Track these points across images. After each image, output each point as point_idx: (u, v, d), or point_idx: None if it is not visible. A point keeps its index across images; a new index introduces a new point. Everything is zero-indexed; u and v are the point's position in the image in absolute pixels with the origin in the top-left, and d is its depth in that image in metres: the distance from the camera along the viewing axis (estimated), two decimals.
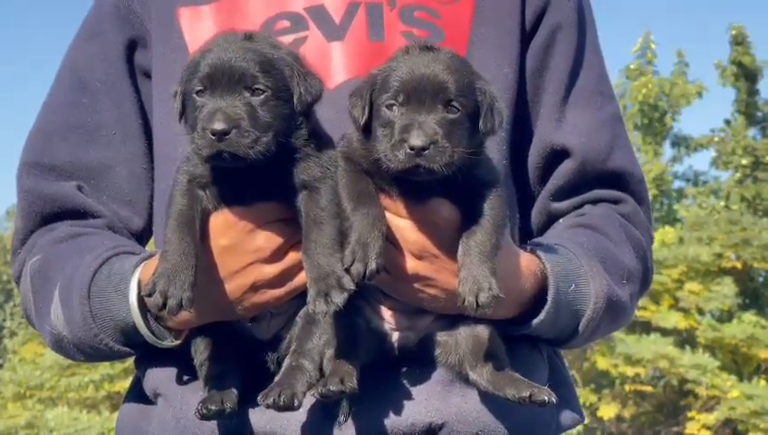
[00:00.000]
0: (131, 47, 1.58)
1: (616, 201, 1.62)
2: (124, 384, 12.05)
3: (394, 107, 1.30)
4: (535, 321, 1.43)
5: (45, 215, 1.56)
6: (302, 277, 1.33)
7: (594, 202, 1.61)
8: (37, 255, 1.54)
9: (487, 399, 1.43)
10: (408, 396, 1.41)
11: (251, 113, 1.30)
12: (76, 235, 1.52)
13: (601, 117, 1.58)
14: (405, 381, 1.42)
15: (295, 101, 1.33)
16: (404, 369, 1.41)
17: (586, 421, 11.82)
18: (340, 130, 1.40)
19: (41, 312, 1.52)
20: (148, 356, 1.51)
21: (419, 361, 1.40)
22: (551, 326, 1.46)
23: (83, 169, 1.52)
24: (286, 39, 1.47)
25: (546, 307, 1.42)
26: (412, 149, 1.28)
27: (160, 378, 1.49)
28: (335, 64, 1.48)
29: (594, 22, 1.67)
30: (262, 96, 1.31)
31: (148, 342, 1.43)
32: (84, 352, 1.49)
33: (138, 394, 1.55)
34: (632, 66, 16.09)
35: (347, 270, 1.27)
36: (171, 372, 1.48)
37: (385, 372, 1.39)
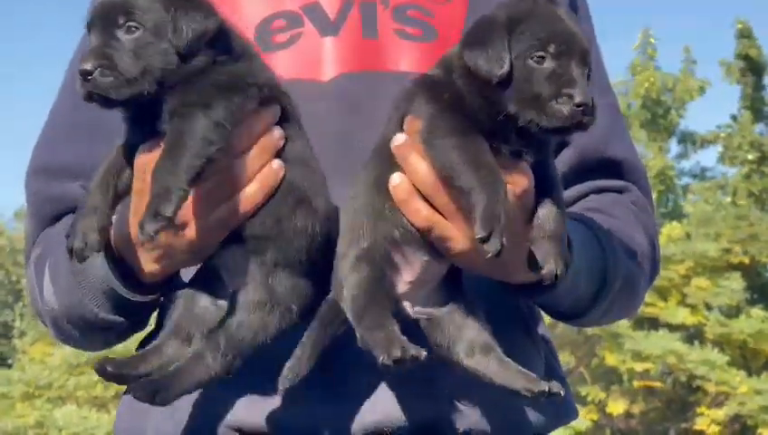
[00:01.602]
0: None
1: (620, 190, 1.62)
2: None
3: (545, 60, 1.24)
4: (561, 283, 1.36)
5: (53, 216, 1.58)
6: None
7: (598, 192, 1.60)
8: (38, 248, 1.57)
9: (473, 395, 1.42)
10: (393, 391, 1.40)
11: (119, 53, 1.28)
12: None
13: (598, 105, 1.61)
14: (389, 378, 1.40)
15: (170, 36, 1.29)
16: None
17: (595, 417, 11.82)
18: (333, 123, 1.39)
19: (43, 298, 1.54)
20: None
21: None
22: (569, 292, 1.42)
23: (87, 167, 1.52)
24: (282, 36, 1.49)
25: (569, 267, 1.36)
26: (579, 105, 1.22)
27: None
28: (329, 58, 1.49)
29: (591, 17, 1.67)
30: (135, 34, 1.29)
31: (129, 302, 1.42)
32: (76, 325, 1.49)
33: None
34: (636, 62, 16.08)
35: (483, 241, 1.20)
36: None
37: (366, 364, 1.37)
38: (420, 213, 1.29)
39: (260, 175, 1.32)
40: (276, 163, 1.33)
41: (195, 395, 1.42)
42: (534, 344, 1.54)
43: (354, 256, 1.30)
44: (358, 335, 1.27)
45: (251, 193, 1.31)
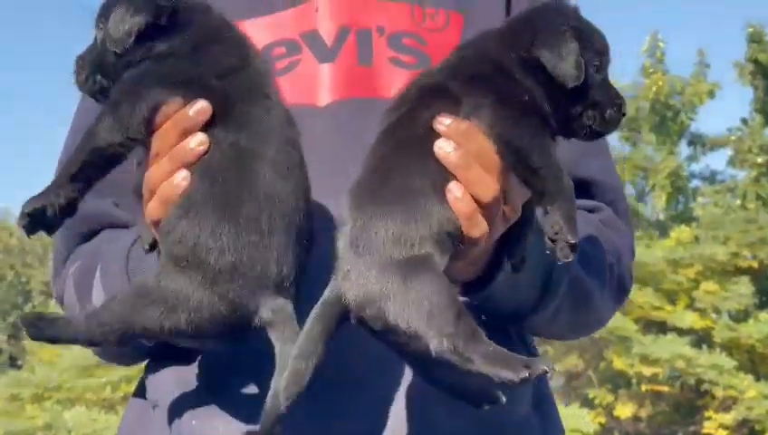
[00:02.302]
0: None
1: (590, 210, 1.61)
2: None
3: (599, 70, 1.29)
4: (497, 278, 1.34)
5: (86, 233, 1.59)
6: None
7: None
8: (77, 261, 1.57)
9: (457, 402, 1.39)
10: (380, 406, 1.40)
11: (83, 52, 1.33)
12: (119, 238, 1.55)
13: None
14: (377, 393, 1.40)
15: (103, 34, 1.29)
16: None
17: (602, 421, 11.82)
18: (329, 147, 1.40)
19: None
20: (153, 364, 1.54)
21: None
22: (510, 291, 1.39)
23: (117, 186, 1.53)
24: (281, 63, 1.51)
25: (505, 263, 1.34)
26: (624, 114, 1.30)
27: (161, 388, 1.51)
28: (325, 84, 1.51)
29: None
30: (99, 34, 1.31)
31: None
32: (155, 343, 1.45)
33: (140, 400, 1.57)
34: (647, 64, 16.08)
35: (554, 241, 1.20)
36: (172, 382, 1.50)
37: (352, 378, 1.36)
38: (481, 226, 1.23)
39: (160, 187, 1.26)
40: (180, 176, 1.24)
41: (200, 410, 1.43)
42: (527, 346, 1.55)
43: (414, 260, 1.20)
44: (446, 348, 1.16)
45: (151, 207, 1.28)
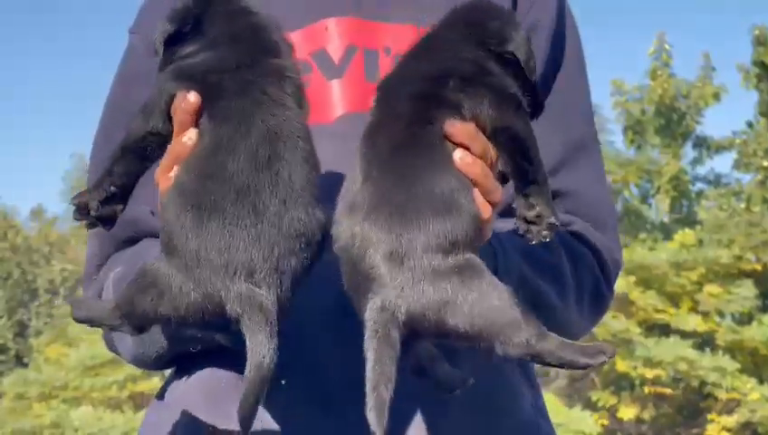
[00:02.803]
0: None
1: (563, 223, 1.56)
2: (148, 385, 12.15)
3: None
4: None
5: (123, 238, 1.61)
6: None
7: None
8: (119, 267, 1.58)
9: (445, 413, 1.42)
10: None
11: None
12: (152, 245, 1.55)
13: (555, 140, 1.55)
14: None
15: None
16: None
17: (605, 422, 11.84)
18: (340, 161, 1.39)
19: None
20: (177, 368, 1.57)
21: None
22: None
23: (150, 195, 1.54)
24: None
25: None
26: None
27: (182, 393, 1.54)
28: (334, 100, 1.55)
29: (580, 38, 1.68)
30: None
31: None
32: (172, 337, 1.48)
33: (161, 402, 1.59)
34: (654, 67, 16.05)
35: (534, 223, 1.27)
36: (194, 387, 1.52)
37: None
38: (497, 191, 1.28)
39: (159, 182, 1.31)
40: (174, 171, 1.28)
41: (218, 415, 1.46)
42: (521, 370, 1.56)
43: (463, 263, 1.20)
44: (518, 346, 1.18)
45: (161, 202, 1.30)
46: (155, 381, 11.98)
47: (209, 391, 1.50)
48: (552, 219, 1.27)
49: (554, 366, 1.20)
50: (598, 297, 1.61)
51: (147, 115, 1.32)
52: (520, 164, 1.29)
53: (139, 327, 1.30)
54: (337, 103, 1.55)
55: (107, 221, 1.36)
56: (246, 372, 1.21)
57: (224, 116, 1.27)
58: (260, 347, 1.20)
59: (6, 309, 23.00)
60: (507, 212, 1.47)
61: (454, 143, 1.26)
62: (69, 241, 24.56)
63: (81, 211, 1.34)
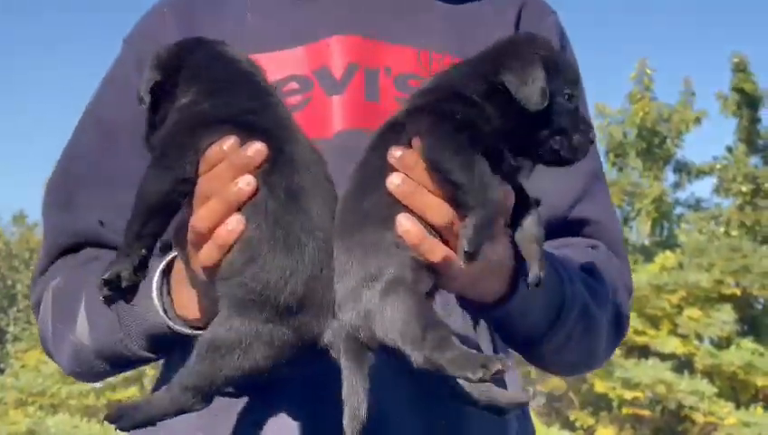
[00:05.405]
0: None
1: (588, 246, 1.65)
2: (125, 393, 12.10)
3: (572, 98, 1.34)
4: (515, 298, 1.40)
5: (67, 246, 1.63)
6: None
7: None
8: (58, 277, 1.61)
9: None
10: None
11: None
12: (98, 257, 1.59)
13: (574, 172, 1.57)
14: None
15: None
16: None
17: None
18: (339, 175, 1.39)
19: (58, 332, 1.58)
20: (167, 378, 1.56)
21: None
22: (525, 309, 1.44)
23: (107, 202, 1.59)
24: (295, 99, 1.56)
25: (521, 283, 1.39)
26: (591, 142, 1.35)
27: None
28: (334, 115, 1.57)
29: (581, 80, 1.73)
30: None
31: (175, 337, 1.43)
32: (107, 359, 1.52)
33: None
34: (634, 91, 16.15)
35: (470, 257, 1.25)
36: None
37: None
38: (436, 251, 1.27)
39: (216, 232, 1.26)
40: (234, 220, 1.25)
41: (207, 427, 1.48)
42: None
43: (387, 282, 1.27)
44: (422, 359, 1.22)
45: (206, 252, 1.28)
46: (132, 391, 11.95)
47: (203, 412, 1.48)
48: (466, 245, 1.23)
49: (454, 377, 1.25)
50: (620, 324, 1.65)
51: (171, 166, 1.29)
52: (449, 191, 1.29)
53: (211, 397, 1.31)
54: (337, 119, 1.57)
55: (132, 290, 1.38)
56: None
57: (280, 161, 1.29)
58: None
59: None
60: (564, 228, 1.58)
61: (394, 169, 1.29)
62: None
63: (112, 285, 1.34)
